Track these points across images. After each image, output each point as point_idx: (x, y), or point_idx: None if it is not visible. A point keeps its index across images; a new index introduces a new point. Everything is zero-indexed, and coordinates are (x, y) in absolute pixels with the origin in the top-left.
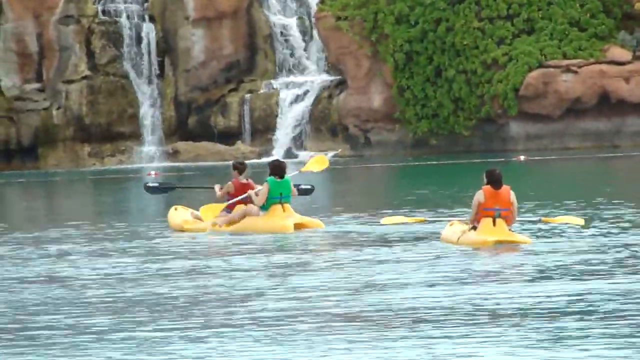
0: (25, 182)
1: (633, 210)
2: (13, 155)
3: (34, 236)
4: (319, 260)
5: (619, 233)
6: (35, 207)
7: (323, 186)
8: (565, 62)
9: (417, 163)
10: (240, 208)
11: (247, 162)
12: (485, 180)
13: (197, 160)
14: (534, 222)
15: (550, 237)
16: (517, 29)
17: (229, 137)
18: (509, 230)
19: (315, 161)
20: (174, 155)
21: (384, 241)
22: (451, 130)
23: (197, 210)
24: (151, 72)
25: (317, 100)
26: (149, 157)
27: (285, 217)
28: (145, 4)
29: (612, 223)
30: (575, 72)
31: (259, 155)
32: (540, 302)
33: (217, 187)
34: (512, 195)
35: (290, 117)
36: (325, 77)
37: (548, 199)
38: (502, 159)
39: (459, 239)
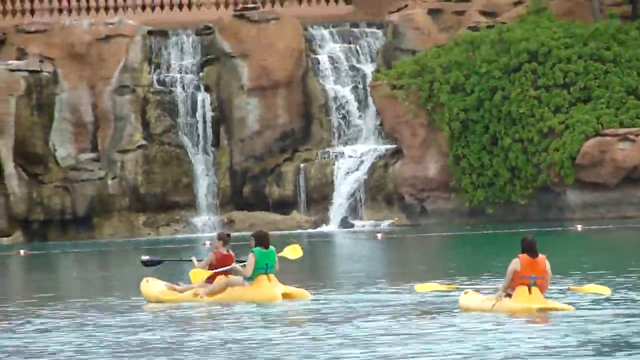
0: (80, 252)
1: None
2: (68, 225)
3: (82, 306)
4: (369, 330)
5: None
6: (87, 277)
7: (376, 255)
8: (622, 130)
9: (473, 232)
10: (221, 279)
11: (302, 231)
12: (521, 248)
13: (252, 229)
14: (562, 291)
15: (588, 305)
16: (573, 97)
17: (284, 206)
18: (544, 298)
19: (291, 250)
20: (229, 224)
21: (421, 310)
22: (507, 199)
23: (169, 281)
24: (206, 141)
25: (373, 169)
26: (204, 226)
27: (272, 287)
28: (200, 74)
29: None
30: (633, 141)
31: (315, 225)
32: None
33: (194, 259)
34: (547, 265)
35: (345, 186)
36: (381, 146)
37: (599, 268)
38: (559, 228)
39: (493, 306)
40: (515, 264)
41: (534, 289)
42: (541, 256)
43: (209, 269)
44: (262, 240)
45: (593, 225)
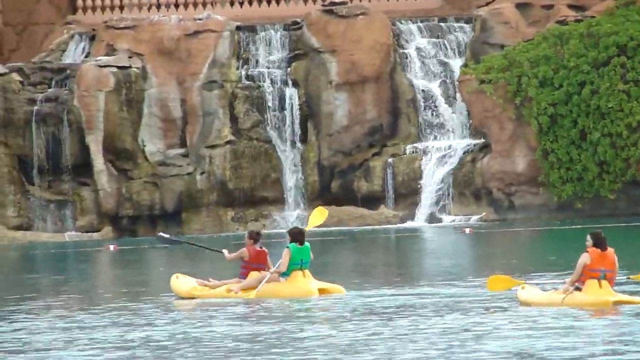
0: (169, 248)
1: None
2: (157, 220)
3: (164, 301)
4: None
5: None
6: (175, 273)
7: (463, 250)
8: None
9: (561, 227)
10: (255, 274)
11: (390, 226)
12: (591, 242)
13: (340, 225)
14: (621, 282)
15: None
16: None
17: (372, 201)
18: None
19: (317, 213)
20: None
21: (492, 307)
22: (596, 193)
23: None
24: (294, 136)
25: (461, 164)
26: (292, 221)
27: (307, 283)
28: (288, 69)
29: None
30: None
31: (403, 220)
32: None
33: (225, 252)
34: (616, 258)
35: (433, 181)
36: (469, 141)
37: None
38: None
39: (563, 300)
40: (585, 257)
41: (604, 283)
42: (610, 249)
43: (242, 266)
44: (297, 236)
45: None
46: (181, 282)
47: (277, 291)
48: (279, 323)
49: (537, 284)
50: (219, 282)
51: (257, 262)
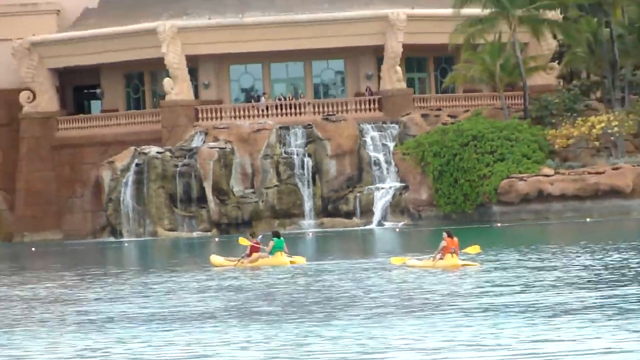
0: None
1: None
2: (239, 226)
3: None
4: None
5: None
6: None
7: (394, 239)
8: (520, 175)
9: (443, 228)
10: (256, 254)
11: (358, 228)
12: (446, 234)
13: (333, 227)
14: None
15: (488, 263)
16: (495, 158)
17: (349, 215)
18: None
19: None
20: (320, 225)
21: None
22: (462, 210)
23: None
24: (309, 182)
25: (394, 196)
26: (308, 226)
27: (284, 258)
28: (306, 148)
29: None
30: (525, 181)
31: (365, 225)
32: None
33: (245, 256)
34: (458, 242)
35: (380, 205)
36: (398, 184)
37: (508, 245)
38: (488, 225)
39: (434, 265)
40: (443, 243)
41: (454, 255)
42: (455, 238)
43: (249, 252)
44: (277, 234)
45: (506, 224)
46: (215, 259)
47: (267, 262)
48: (269, 277)
49: (418, 258)
50: (235, 258)
51: (256, 250)
